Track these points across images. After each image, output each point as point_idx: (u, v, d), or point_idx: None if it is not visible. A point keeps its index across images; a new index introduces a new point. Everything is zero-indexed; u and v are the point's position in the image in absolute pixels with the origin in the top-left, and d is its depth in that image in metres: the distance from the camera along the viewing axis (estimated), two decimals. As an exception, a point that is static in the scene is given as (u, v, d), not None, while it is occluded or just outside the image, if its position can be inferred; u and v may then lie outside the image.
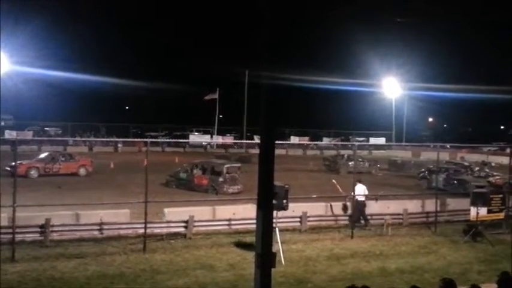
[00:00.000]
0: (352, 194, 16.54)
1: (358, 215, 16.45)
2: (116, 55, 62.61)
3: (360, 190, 16.71)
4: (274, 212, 11.62)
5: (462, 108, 66.25)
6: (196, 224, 14.82)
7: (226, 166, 24.62)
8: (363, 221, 16.58)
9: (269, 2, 6.30)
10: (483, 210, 15.65)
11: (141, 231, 13.62)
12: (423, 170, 29.49)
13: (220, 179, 23.72)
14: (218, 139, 54.60)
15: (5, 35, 37.62)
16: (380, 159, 38.59)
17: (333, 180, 17.46)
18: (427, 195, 18.73)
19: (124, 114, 68.65)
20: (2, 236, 12.66)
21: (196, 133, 59.08)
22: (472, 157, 41.81)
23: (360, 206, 16.51)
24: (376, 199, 17.40)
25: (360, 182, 16.99)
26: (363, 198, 16.67)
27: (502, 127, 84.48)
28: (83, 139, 47.90)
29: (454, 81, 52.36)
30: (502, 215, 16.69)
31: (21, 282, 10.66)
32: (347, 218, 16.75)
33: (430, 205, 17.68)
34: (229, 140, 54.23)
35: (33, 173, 27.05)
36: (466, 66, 57.35)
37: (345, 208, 17.10)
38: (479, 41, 56.53)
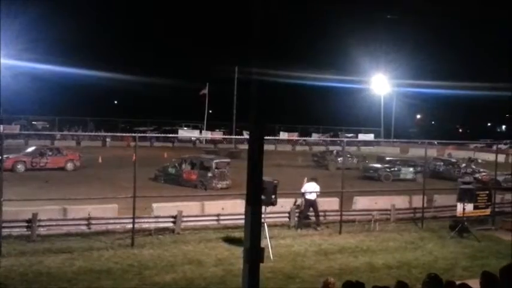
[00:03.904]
0: (302, 190, 16.17)
1: (306, 212, 16.08)
2: (104, 49, 62.17)
3: (311, 188, 16.11)
4: (263, 208, 11.68)
5: (450, 106, 66.89)
6: (184, 219, 14.79)
7: (215, 161, 24.59)
8: (312, 218, 16.07)
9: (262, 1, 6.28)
10: (469, 207, 15.80)
11: (129, 226, 13.57)
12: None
13: (209, 174, 23.68)
14: (207, 134, 54.52)
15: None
16: (368, 156, 38.80)
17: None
18: (415, 191, 18.85)
19: (112, 109, 68.23)
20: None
21: (185, 128, 58.95)
22: (459, 154, 42.22)
23: (308, 204, 16.01)
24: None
25: (314, 180, 16.38)
26: (312, 197, 16.00)
27: (489, 124, 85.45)
28: (71, 133, 47.55)
29: (442, 78, 52.85)
30: (488, 211, 16.89)
31: (8, 277, 10.57)
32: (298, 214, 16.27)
33: (418, 201, 17.82)
34: (218, 135, 54.18)
35: (20, 167, 26.79)
36: (454, 64, 57.84)
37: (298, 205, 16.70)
38: (468, 39, 57.03)
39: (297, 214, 16.27)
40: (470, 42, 58.48)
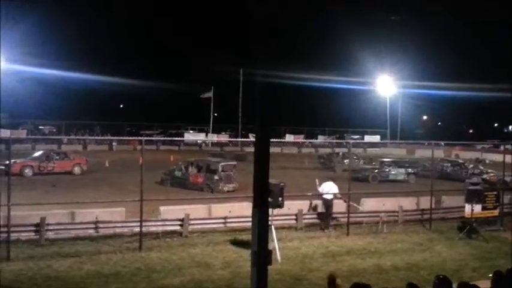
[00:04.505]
0: (320, 191, 16.34)
1: (327, 213, 16.23)
2: (110, 54, 62.45)
3: (328, 188, 16.26)
4: (270, 210, 11.67)
5: (456, 106, 66.57)
6: (192, 222, 14.81)
7: (221, 164, 24.59)
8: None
9: (262, 0, 6.29)
10: (477, 207, 15.72)
11: (137, 229, 13.59)
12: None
13: (216, 177, 23.69)
14: (213, 137, 54.57)
15: (-1, 32, 37.42)
16: (375, 157, 38.67)
17: (316, 180, 17.18)
18: (422, 192, 18.77)
19: (118, 113, 68.49)
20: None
21: (191, 131, 59.03)
22: (466, 154, 42.03)
23: (326, 204, 16.19)
24: (345, 201, 16.44)
25: (331, 179, 16.66)
26: (329, 197, 16.16)
27: (495, 125, 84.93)
28: (78, 137, 47.72)
29: (448, 79, 52.61)
30: (496, 212, 16.79)
31: (17, 281, 10.62)
32: (315, 216, 16.58)
33: (425, 202, 17.74)
34: (224, 138, 54.22)
35: (28, 171, 26.97)
36: (460, 65, 57.57)
37: (313, 206, 16.89)
38: (473, 40, 56.80)
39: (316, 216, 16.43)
40: (476, 42, 58.23)
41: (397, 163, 31.13)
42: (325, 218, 16.23)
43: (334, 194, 16.32)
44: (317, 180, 16.69)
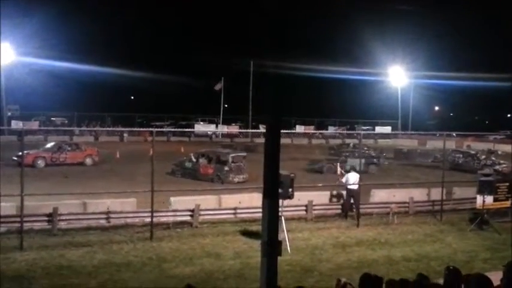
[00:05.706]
0: (344, 181, 16.54)
1: (349, 203, 16.34)
2: (121, 46, 62.56)
3: (353, 178, 16.47)
4: (280, 201, 11.70)
5: (468, 97, 65.87)
6: (202, 212, 14.89)
7: (231, 155, 24.64)
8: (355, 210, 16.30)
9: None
10: (489, 199, 15.61)
11: (148, 219, 13.70)
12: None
13: (226, 168, 23.75)
14: (223, 128, 54.64)
15: (11, 26, 37.76)
16: (386, 148, 38.50)
17: (338, 166, 17.25)
18: (433, 184, 18.67)
19: (129, 104, 68.80)
20: (10, 224, 12.84)
21: (201, 122, 59.12)
22: (478, 145, 41.66)
23: (351, 194, 16.34)
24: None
25: (354, 170, 16.85)
26: (354, 187, 16.31)
27: (508, 115, 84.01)
28: (89, 129, 48.05)
29: (460, 69, 52.02)
30: (508, 203, 16.62)
31: (30, 270, 10.77)
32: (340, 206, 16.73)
33: (436, 193, 17.66)
34: (234, 129, 54.26)
35: (40, 162, 27.21)
36: (472, 55, 56.84)
37: (338, 196, 17.05)
38: (486, 29, 56.03)
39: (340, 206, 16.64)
40: (489, 32, 57.45)
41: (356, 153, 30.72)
42: (353, 207, 16.31)
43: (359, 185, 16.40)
44: (338, 168, 16.77)
